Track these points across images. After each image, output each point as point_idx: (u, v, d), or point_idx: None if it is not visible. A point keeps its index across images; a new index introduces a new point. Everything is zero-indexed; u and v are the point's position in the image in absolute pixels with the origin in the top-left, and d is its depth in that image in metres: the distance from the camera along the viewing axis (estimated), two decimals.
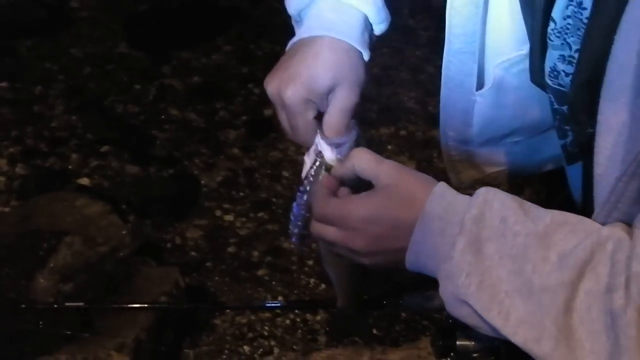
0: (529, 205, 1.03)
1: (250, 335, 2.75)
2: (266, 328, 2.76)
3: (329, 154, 1.17)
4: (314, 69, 1.17)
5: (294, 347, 2.71)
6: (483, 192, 1.04)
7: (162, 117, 3.84)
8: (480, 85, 1.32)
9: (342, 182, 1.16)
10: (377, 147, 3.66)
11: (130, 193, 3.37)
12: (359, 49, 1.21)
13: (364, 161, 1.13)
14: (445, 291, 1.04)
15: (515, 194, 1.03)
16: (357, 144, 1.20)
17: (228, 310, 2.83)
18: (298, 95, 1.17)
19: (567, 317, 0.93)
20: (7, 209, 3.32)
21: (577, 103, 1.11)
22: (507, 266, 0.98)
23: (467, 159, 1.43)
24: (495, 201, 1.02)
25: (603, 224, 0.98)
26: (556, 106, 1.20)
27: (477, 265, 1.00)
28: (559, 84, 1.15)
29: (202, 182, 3.43)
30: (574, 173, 1.27)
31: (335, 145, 1.17)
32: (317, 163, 1.18)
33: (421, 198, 1.06)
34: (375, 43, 1.28)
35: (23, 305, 2.41)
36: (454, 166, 1.46)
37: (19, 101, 4.06)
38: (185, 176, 3.48)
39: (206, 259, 3.07)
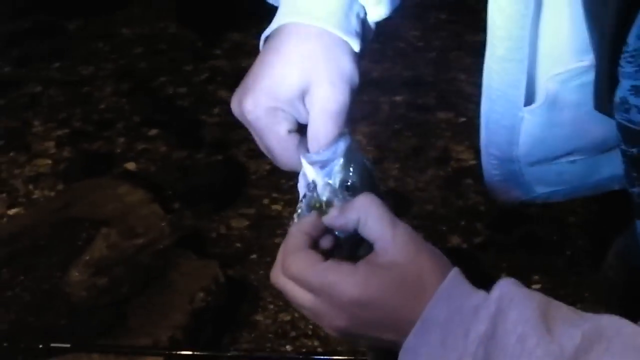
0: (555, 312, 0.81)
1: (293, 333, 2.63)
2: (310, 327, 2.63)
3: (314, 177, 0.91)
4: (276, 68, 0.92)
5: (339, 347, 2.57)
6: (496, 296, 0.82)
7: (212, 100, 3.72)
8: (529, 99, 1.07)
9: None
10: (435, 132, 3.51)
11: (176, 179, 3.27)
12: (342, 36, 0.94)
13: (374, 219, 0.87)
14: None
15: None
16: (363, 169, 0.93)
17: (271, 306, 2.70)
18: (259, 105, 0.92)
19: None
20: (52, 194, 3.25)
21: None
22: None
23: (512, 178, 1.19)
24: (511, 311, 0.81)
25: None
26: (624, 146, 0.96)
27: None
28: (629, 121, 0.92)
29: (251, 169, 3.31)
30: None
31: (320, 165, 0.91)
32: (305, 197, 0.92)
33: (431, 291, 0.84)
34: (374, 31, 1.02)
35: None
36: (496, 187, 1.21)
37: (69, 82, 4.00)
38: (234, 163, 3.36)
39: (251, 251, 2.95)
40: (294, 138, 0.93)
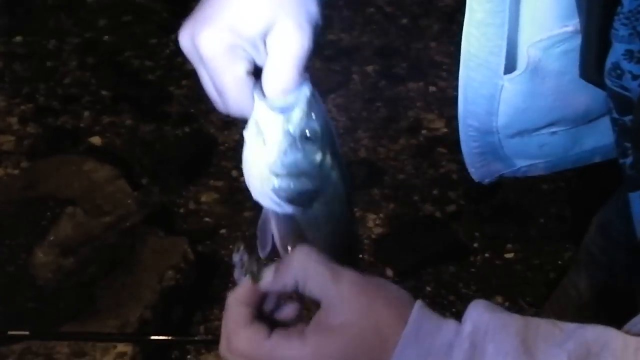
0: (534, 334, 0.75)
1: None
2: None
3: (269, 123, 0.85)
4: (240, 3, 0.84)
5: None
6: (469, 330, 0.75)
7: (179, 72, 3.65)
8: (510, 67, 1.01)
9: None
10: (405, 103, 3.46)
11: (144, 153, 3.21)
12: None
13: (313, 279, 0.81)
14: None
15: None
16: (325, 120, 0.87)
17: None
18: (219, 41, 0.84)
19: None
20: (16, 172, 3.17)
21: None
22: None
23: (491, 151, 1.13)
24: (488, 345, 0.74)
25: None
26: (616, 115, 0.93)
27: None
28: (622, 87, 0.88)
29: (219, 140, 3.25)
30: (637, 202, 0.99)
31: (280, 111, 0.85)
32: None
33: (395, 340, 0.77)
34: None
35: None
36: (475, 159, 1.15)
37: (33, 55, 3.90)
38: (202, 135, 3.30)
39: (221, 225, 2.90)
40: (250, 81, 0.86)
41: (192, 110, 3.42)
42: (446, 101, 3.48)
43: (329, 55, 3.72)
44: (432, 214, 2.98)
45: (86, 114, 3.46)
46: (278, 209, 0.94)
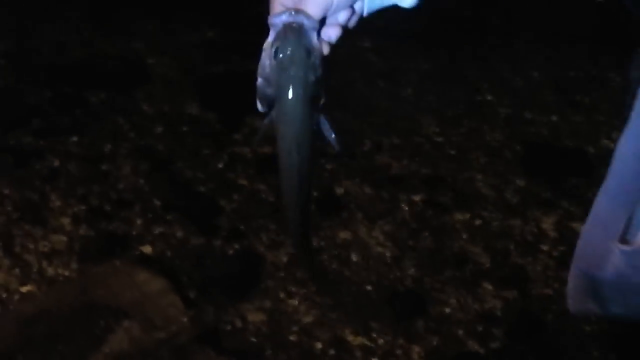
0: None
1: None
2: None
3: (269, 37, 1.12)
4: None
5: None
6: None
7: (231, 187, 3.73)
8: (627, 237, 1.07)
9: None
10: (451, 234, 3.51)
11: (193, 266, 3.26)
12: None
13: None
14: None
15: None
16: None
17: None
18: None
19: None
20: (66, 272, 3.23)
21: None
22: None
23: (592, 294, 1.19)
24: None
25: None
26: None
27: None
28: None
29: (268, 260, 3.30)
30: None
31: (272, 26, 1.10)
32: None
33: None
34: None
35: None
36: (574, 295, 1.23)
37: (88, 158, 4.00)
38: (251, 253, 3.35)
39: (266, 347, 2.92)
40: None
41: (242, 227, 3.48)
42: (491, 235, 3.52)
43: (378, 182, 3.80)
44: (477, 350, 2.99)
45: (138, 221, 3.53)
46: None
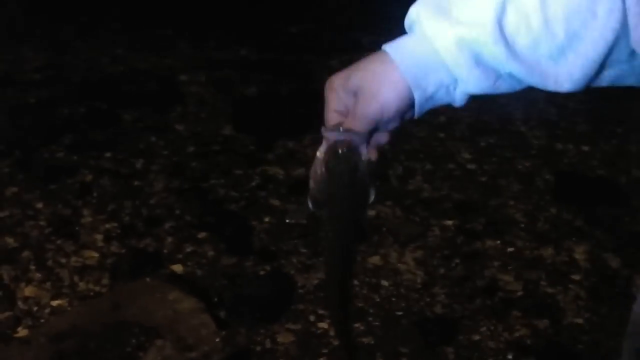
0: None
1: None
2: None
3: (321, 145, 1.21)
4: (374, 91, 1.17)
5: None
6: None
7: (263, 207, 3.74)
8: None
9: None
10: (482, 261, 3.49)
11: (223, 286, 3.26)
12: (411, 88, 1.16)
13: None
14: None
15: None
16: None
17: None
18: (337, 80, 1.21)
19: None
20: (97, 288, 3.25)
21: None
22: None
23: None
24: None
25: None
26: None
27: None
28: None
29: (299, 283, 3.30)
30: None
31: (326, 139, 1.20)
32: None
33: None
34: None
35: None
36: None
37: (120, 173, 4.04)
38: (282, 274, 3.35)
39: None
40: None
41: (273, 248, 3.49)
42: (523, 263, 3.51)
43: (409, 205, 3.80)
44: None
45: (169, 239, 3.54)
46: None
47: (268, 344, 3.01)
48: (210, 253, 3.47)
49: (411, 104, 1.18)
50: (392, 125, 1.22)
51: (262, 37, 5.29)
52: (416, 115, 1.20)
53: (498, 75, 1.14)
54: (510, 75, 1.13)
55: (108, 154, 4.19)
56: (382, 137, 1.22)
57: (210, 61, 5.08)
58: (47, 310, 3.13)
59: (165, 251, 3.48)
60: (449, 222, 3.75)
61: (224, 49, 5.26)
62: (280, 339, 3.04)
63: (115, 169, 4.08)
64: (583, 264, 3.51)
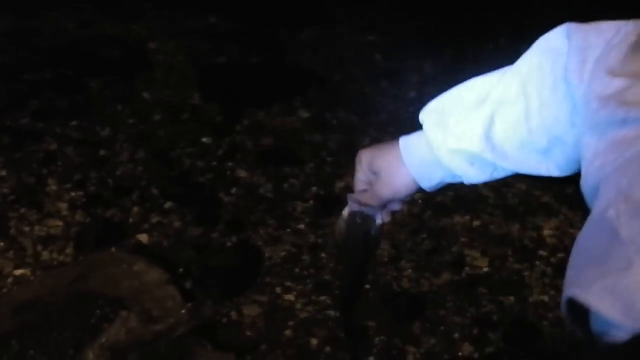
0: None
1: None
2: None
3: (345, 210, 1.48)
4: (388, 174, 1.40)
5: None
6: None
7: (230, 178, 3.71)
8: None
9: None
10: (450, 236, 3.49)
11: (190, 257, 3.23)
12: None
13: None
14: None
15: None
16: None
17: None
18: (364, 157, 1.43)
19: None
20: (61, 257, 3.21)
21: None
22: None
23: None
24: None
25: None
26: None
27: None
28: None
29: (266, 254, 3.28)
30: None
31: (350, 206, 1.46)
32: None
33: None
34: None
35: None
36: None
37: (86, 142, 3.97)
38: (249, 246, 3.32)
39: (261, 341, 2.90)
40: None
41: (240, 220, 3.46)
42: (490, 238, 3.51)
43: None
44: (471, 354, 2.98)
45: (135, 209, 3.50)
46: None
47: (234, 316, 3.00)
48: (177, 224, 3.43)
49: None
50: (405, 199, 1.47)
51: (234, 7, 5.22)
52: (428, 189, 1.43)
53: (494, 168, 1.32)
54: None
55: (74, 122, 4.11)
56: (396, 205, 1.48)
57: (179, 29, 5.00)
58: (10, 280, 3.08)
59: (130, 221, 3.44)
60: (417, 196, 3.74)
61: (194, 17, 5.18)
62: (246, 311, 3.02)
63: (82, 137, 4.02)
64: (550, 241, 3.52)
